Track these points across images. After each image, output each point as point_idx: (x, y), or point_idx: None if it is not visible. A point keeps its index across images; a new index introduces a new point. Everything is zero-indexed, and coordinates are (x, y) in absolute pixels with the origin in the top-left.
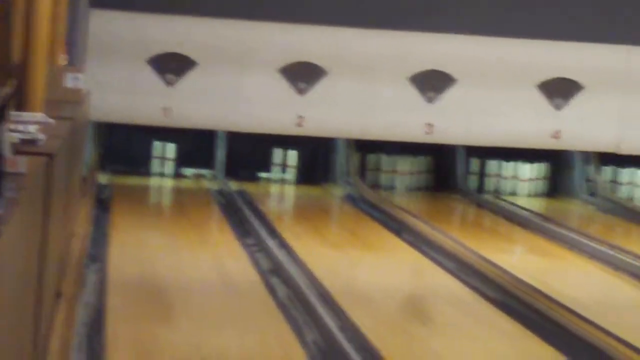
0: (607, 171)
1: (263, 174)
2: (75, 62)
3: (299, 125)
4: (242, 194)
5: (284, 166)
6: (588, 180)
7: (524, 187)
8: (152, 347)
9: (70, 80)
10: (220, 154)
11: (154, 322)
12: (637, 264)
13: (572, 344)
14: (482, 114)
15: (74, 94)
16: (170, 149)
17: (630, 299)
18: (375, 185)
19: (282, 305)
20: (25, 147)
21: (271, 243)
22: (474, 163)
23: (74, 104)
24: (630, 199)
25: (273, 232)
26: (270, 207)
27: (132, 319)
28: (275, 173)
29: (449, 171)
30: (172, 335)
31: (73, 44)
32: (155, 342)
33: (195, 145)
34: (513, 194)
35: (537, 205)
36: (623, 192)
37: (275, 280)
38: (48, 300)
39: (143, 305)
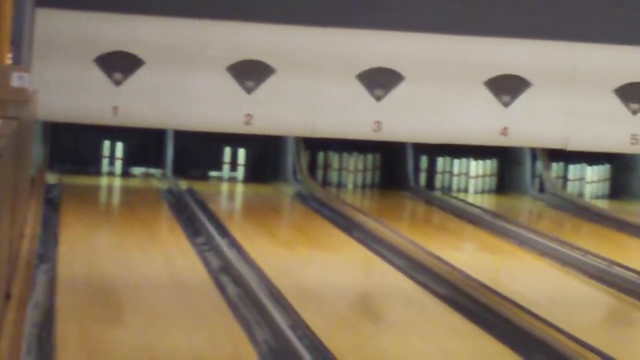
0: (556, 167)
1: (213, 173)
2: (21, 61)
3: (248, 123)
4: (191, 192)
5: (233, 165)
6: (537, 176)
7: (473, 184)
8: (102, 347)
9: (15, 80)
10: (170, 152)
11: (103, 322)
12: (586, 260)
13: (523, 340)
14: (430, 111)
15: (20, 94)
16: (119, 148)
17: (580, 295)
18: (325, 183)
19: (232, 304)
20: None
21: (221, 242)
22: (423, 160)
23: (20, 104)
24: (579, 195)
25: (223, 231)
26: (220, 205)
27: (81, 319)
28: (224, 172)
29: (398, 168)
30: (122, 335)
31: (19, 43)
32: (105, 342)
33: (145, 144)
34: (462, 190)
35: (487, 202)
36: (572, 188)
37: (225, 279)
38: None
39: (93, 305)
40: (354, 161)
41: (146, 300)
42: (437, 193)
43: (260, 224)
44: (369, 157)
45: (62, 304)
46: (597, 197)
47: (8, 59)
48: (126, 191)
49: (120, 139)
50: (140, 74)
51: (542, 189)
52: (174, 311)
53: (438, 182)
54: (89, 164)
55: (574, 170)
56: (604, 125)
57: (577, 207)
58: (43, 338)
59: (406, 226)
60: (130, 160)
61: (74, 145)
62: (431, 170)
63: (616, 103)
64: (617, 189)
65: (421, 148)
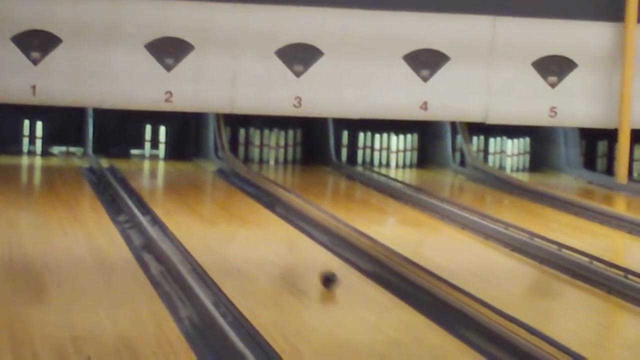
0: (477, 141)
1: (134, 151)
2: None
3: (168, 101)
4: (113, 171)
5: (154, 142)
6: (458, 150)
7: (394, 159)
8: (23, 326)
9: None
10: (90, 131)
11: (25, 302)
12: (507, 232)
13: (446, 313)
14: (350, 86)
15: None
16: (39, 127)
17: (502, 268)
18: (247, 160)
19: (155, 282)
20: None
21: (143, 219)
22: (345, 135)
23: None
24: (500, 168)
25: (145, 209)
26: (142, 183)
27: (2, 298)
28: (146, 149)
29: (319, 144)
30: (44, 314)
31: None
32: (26, 321)
33: (65, 123)
34: (384, 165)
35: (408, 176)
36: (493, 161)
37: (147, 257)
38: None
39: (14, 285)
40: (275, 137)
41: (68, 279)
42: (359, 168)
43: (182, 201)
44: (290, 133)
45: None
46: (517, 170)
47: None
48: (47, 170)
49: (40, 118)
50: (58, 53)
51: (463, 163)
52: (96, 290)
53: (359, 157)
54: (9, 143)
55: (494, 143)
56: (523, 99)
57: (498, 180)
58: None
59: (328, 201)
60: (50, 139)
61: None
62: (352, 146)
63: (535, 76)
64: (537, 162)
65: (342, 123)
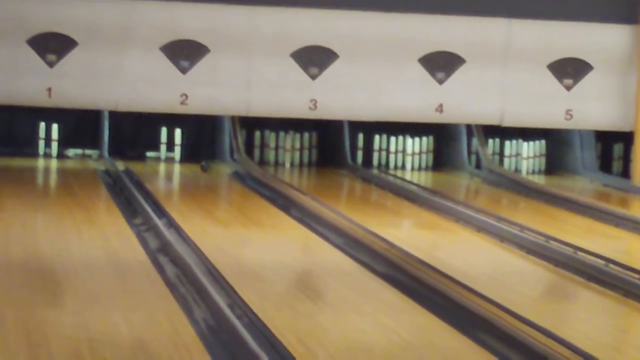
0: (492, 144)
1: (150, 153)
2: None
3: (183, 103)
4: (128, 173)
5: (170, 145)
6: (473, 153)
7: (410, 161)
8: (39, 328)
9: None
10: (106, 133)
11: (41, 304)
12: (523, 235)
13: (461, 316)
14: (365, 89)
15: None
16: (55, 130)
17: (517, 270)
18: (262, 162)
19: (170, 284)
20: None
21: (159, 222)
22: (360, 138)
23: None
24: (516, 170)
25: (161, 211)
26: (158, 186)
27: (19, 301)
28: (162, 152)
29: (335, 146)
30: (60, 317)
31: None
32: (42, 323)
33: (81, 126)
34: (400, 168)
35: (424, 178)
36: (508, 164)
37: (163, 259)
38: None
39: (30, 287)
40: (290, 140)
41: (84, 282)
42: (374, 171)
43: (197, 204)
44: (306, 135)
45: None
46: (533, 173)
47: None
48: (63, 173)
49: (55, 121)
50: (73, 55)
51: (478, 166)
52: (112, 292)
53: (375, 160)
54: (25, 145)
55: (509, 146)
56: (539, 101)
57: (513, 183)
58: None
59: (344, 204)
60: (66, 141)
61: (9, 127)
62: (368, 148)
63: (550, 79)
64: (553, 165)
65: (357, 126)
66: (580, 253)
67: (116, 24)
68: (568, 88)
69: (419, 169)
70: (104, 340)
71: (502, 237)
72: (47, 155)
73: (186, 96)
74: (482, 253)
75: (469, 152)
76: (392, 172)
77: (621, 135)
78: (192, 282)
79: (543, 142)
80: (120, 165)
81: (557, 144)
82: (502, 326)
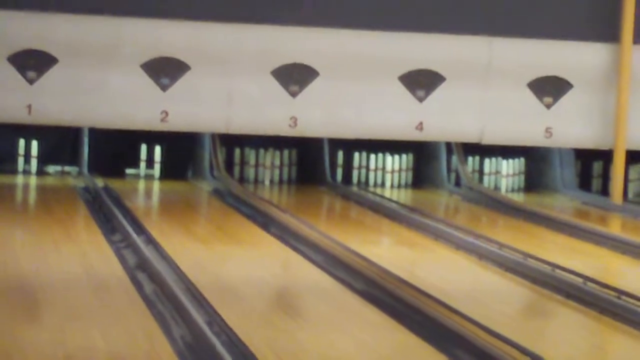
0: (472, 161)
1: (129, 170)
2: None
3: (163, 120)
4: (108, 190)
5: (150, 162)
6: (453, 170)
7: (389, 179)
8: (17, 344)
9: None
10: (85, 150)
11: (19, 320)
12: (501, 252)
13: (440, 333)
14: (346, 106)
15: None
16: (35, 147)
17: (496, 288)
18: (242, 180)
19: (148, 301)
20: None
21: (137, 239)
22: (340, 155)
23: None
24: (495, 188)
25: (139, 228)
26: (137, 203)
27: None
28: (141, 169)
29: (315, 164)
30: (38, 333)
31: None
32: (20, 339)
33: (60, 143)
34: (379, 185)
35: (403, 196)
36: (488, 181)
37: (141, 276)
38: None
39: (8, 303)
40: (270, 157)
41: (62, 298)
42: (354, 188)
43: (177, 220)
44: (286, 152)
45: None
46: (512, 191)
47: None
48: (42, 189)
49: (35, 137)
50: (54, 72)
51: (458, 183)
52: (90, 309)
53: (355, 177)
54: (4, 162)
55: (489, 164)
56: (519, 119)
57: (492, 201)
58: None
59: (323, 222)
60: (45, 158)
61: None
62: (348, 166)
63: (530, 97)
64: (533, 182)
65: (337, 143)
66: (558, 271)
67: (97, 41)
68: (548, 106)
69: (399, 186)
70: (82, 356)
71: (481, 255)
72: (26, 172)
73: (166, 113)
74: (461, 271)
75: (449, 170)
76: (371, 189)
77: (601, 153)
78: (170, 299)
79: (522, 160)
80: (100, 182)
81: (536, 161)
82: (480, 344)
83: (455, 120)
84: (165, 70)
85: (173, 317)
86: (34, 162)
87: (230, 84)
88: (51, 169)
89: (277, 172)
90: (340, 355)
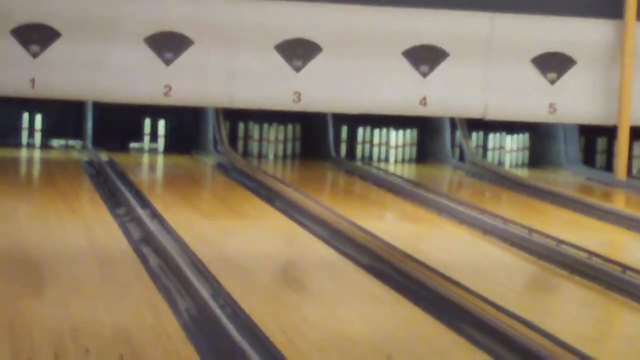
0: (476, 137)
1: (133, 144)
2: None
3: (167, 95)
4: (112, 164)
5: (154, 136)
6: (457, 146)
7: (393, 154)
8: (22, 319)
9: None
10: (89, 124)
11: (23, 294)
12: (505, 227)
13: (444, 308)
14: (349, 81)
15: None
16: (39, 120)
17: (500, 262)
18: (246, 154)
19: (153, 275)
20: None
21: (142, 213)
22: (344, 130)
23: None
24: (499, 163)
25: (144, 202)
26: (141, 177)
27: (1, 291)
28: (145, 143)
29: (318, 139)
30: (42, 306)
31: None
32: (25, 313)
33: (64, 116)
34: (383, 160)
35: (407, 171)
36: (492, 157)
37: (146, 250)
38: None
39: (12, 277)
40: (274, 132)
41: (67, 272)
42: (358, 163)
43: (181, 195)
44: (290, 127)
45: None
46: (516, 166)
47: None
48: (46, 163)
49: (39, 111)
50: (57, 46)
51: (462, 158)
52: (94, 282)
53: (358, 152)
54: (8, 136)
55: (493, 139)
56: (522, 95)
57: (496, 176)
58: None
59: (328, 196)
60: (49, 132)
61: None
62: (351, 141)
63: (534, 72)
64: (537, 158)
65: (341, 118)
66: (563, 246)
67: (100, 15)
68: (552, 82)
69: (403, 161)
70: (87, 330)
71: (485, 230)
72: (30, 146)
73: (170, 88)
74: (465, 245)
75: (453, 145)
76: (375, 164)
77: (604, 129)
78: (175, 273)
79: (527, 135)
80: (104, 156)
81: (540, 137)
82: (484, 318)
83: (459, 96)
84: (168, 44)
85: (178, 291)
86: (38, 136)
87: (234, 59)
88: (55, 142)
89: (280, 146)
90: (345, 329)
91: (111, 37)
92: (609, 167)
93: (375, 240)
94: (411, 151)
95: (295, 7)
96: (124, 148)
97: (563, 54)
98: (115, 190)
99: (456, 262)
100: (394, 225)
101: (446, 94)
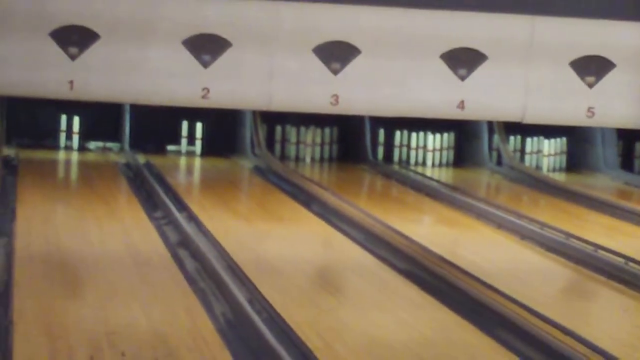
0: (513, 141)
1: (170, 147)
2: None
3: (205, 97)
4: (149, 166)
5: (191, 138)
6: (494, 149)
7: (431, 157)
8: (59, 321)
9: None
10: (127, 126)
11: (61, 296)
12: (543, 232)
13: (480, 312)
14: (387, 84)
15: None
16: (76, 122)
17: (537, 268)
18: (283, 157)
19: (190, 278)
20: None
21: (179, 216)
22: (381, 133)
23: None
24: (537, 167)
25: (181, 205)
26: (178, 179)
27: (39, 293)
28: (182, 145)
29: (356, 142)
30: (80, 309)
31: None
32: (62, 315)
33: (102, 118)
34: (420, 164)
35: (445, 175)
36: (529, 161)
37: (183, 253)
38: None
39: (50, 280)
40: (311, 135)
41: (104, 275)
42: (395, 166)
43: (218, 197)
44: (327, 130)
45: (20, 279)
46: (554, 170)
47: None
48: (84, 165)
49: (77, 113)
50: (95, 48)
51: (499, 162)
52: (131, 285)
53: (396, 156)
54: (46, 138)
55: (531, 143)
56: (560, 99)
57: (534, 180)
58: (0, 312)
59: (364, 200)
60: (87, 134)
61: (31, 120)
62: (389, 144)
63: (573, 76)
64: (574, 162)
65: (379, 121)
66: (600, 251)
67: (139, 17)
68: (590, 85)
69: (440, 165)
70: (123, 333)
71: (523, 235)
72: (68, 148)
73: (208, 90)
74: (502, 250)
75: (490, 149)
76: (412, 168)
77: None
78: (211, 277)
79: (564, 139)
80: (141, 159)
81: (578, 141)
82: (521, 324)
83: (497, 99)
84: (206, 46)
85: (214, 294)
86: (75, 138)
87: (272, 62)
88: (93, 145)
89: (318, 149)
90: (380, 333)
91: (149, 39)
92: None
93: (412, 245)
94: (449, 155)
95: (334, 10)
96: (162, 151)
97: (602, 57)
98: (152, 193)
99: (493, 266)
100: (431, 229)
101: (484, 97)
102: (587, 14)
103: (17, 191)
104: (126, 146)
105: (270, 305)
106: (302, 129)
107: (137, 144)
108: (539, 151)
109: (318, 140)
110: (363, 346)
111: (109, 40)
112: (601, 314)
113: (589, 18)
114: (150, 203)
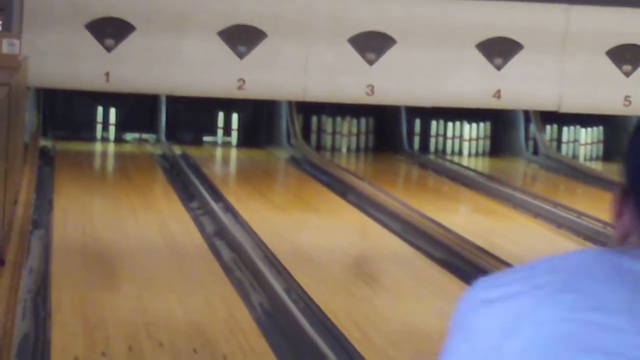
0: (550, 130)
1: (206, 138)
2: (11, 28)
3: (240, 88)
4: (185, 157)
5: (227, 129)
6: (531, 139)
7: (467, 147)
8: (96, 312)
9: (6, 46)
10: (163, 118)
11: (98, 287)
12: (580, 221)
13: None
14: (423, 74)
15: (11, 60)
16: (112, 114)
17: None
18: (319, 147)
19: (227, 268)
20: None
21: (215, 206)
22: (417, 123)
23: (11, 70)
24: (573, 157)
25: (217, 196)
26: (214, 170)
27: (76, 284)
28: (218, 136)
29: (392, 132)
30: (117, 300)
31: (8, 10)
32: (99, 306)
33: (138, 110)
34: (456, 153)
35: (481, 164)
36: (566, 150)
37: (220, 243)
38: None
39: (87, 271)
40: (347, 125)
41: (141, 265)
42: (431, 156)
43: (254, 188)
44: (363, 120)
45: (57, 270)
46: (591, 159)
47: None
48: (120, 157)
49: (113, 105)
50: (131, 40)
51: (535, 152)
52: (168, 276)
53: (432, 145)
54: (83, 130)
55: (567, 132)
56: (597, 87)
57: (571, 169)
58: (38, 303)
59: (401, 189)
60: (123, 125)
61: (67, 112)
62: (425, 134)
63: (609, 65)
64: (611, 151)
65: (414, 111)
66: None
67: (174, 8)
68: (627, 74)
69: (476, 154)
70: (161, 324)
71: (560, 224)
72: (104, 140)
73: (243, 81)
74: (539, 239)
75: (527, 138)
76: (449, 157)
77: None
78: (248, 267)
79: (601, 128)
80: (177, 150)
81: (615, 130)
82: None
83: (533, 88)
84: (241, 37)
85: (251, 284)
86: (112, 130)
87: (307, 52)
88: (129, 136)
89: (354, 139)
90: (417, 323)
91: (185, 30)
92: None
93: (449, 234)
94: (485, 144)
95: (369, 0)
96: (198, 142)
97: (638, 45)
98: (188, 184)
99: (530, 256)
100: (468, 218)
101: (520, 86)
102: (623, 2)
103: (54, 183)
104: (162, 137)
105: (307, 295)
106: (338, 119)
107: (173, 135)
108: (575, 140)
109: (354, 130)
110: (400, 336)
111: (145, 31)
112: None
113: (624, 6)
114: (186, 194)
